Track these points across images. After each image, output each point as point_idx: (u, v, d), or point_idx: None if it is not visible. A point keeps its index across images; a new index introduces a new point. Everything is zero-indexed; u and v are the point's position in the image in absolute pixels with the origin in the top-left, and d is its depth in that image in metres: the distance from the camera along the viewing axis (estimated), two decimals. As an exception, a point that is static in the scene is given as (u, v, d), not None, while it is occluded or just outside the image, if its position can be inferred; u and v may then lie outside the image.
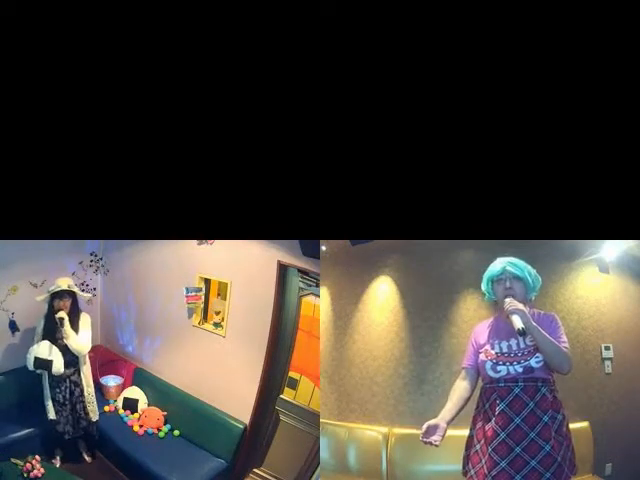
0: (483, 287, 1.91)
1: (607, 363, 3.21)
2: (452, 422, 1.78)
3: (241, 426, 3.03)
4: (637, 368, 3.19)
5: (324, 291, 3.65)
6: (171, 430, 3.29)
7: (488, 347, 1.81)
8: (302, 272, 2.87)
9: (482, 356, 1.81)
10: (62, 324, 2.94)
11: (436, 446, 1.71)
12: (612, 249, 3.20)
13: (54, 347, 2.93)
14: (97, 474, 3.06)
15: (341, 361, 3.66)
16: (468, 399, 1.84)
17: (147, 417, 3.32)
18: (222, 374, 3.19)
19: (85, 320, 3.09)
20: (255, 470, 3.08)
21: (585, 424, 3.07)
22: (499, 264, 1.85)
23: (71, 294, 3.03)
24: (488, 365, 1.77)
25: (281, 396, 3.04)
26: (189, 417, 3.26)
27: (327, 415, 3.44)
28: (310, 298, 2.94)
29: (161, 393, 3.47)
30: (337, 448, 3.35)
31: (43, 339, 2.94)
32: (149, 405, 3.46)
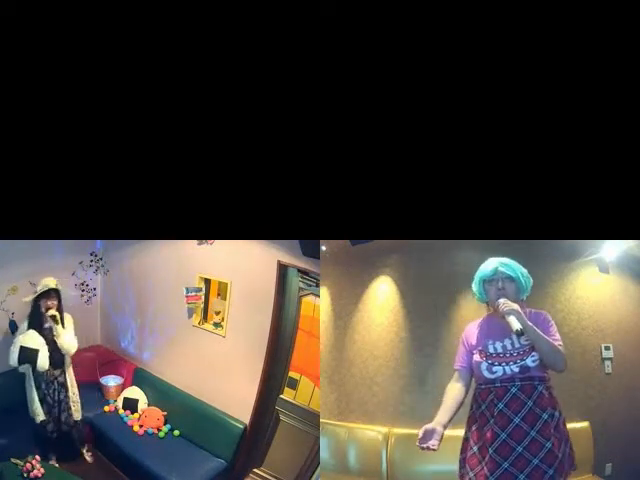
0: (474, 288, 1.89)
1: (607, 363, 3.21)
2: (449, 425, 1.75)
3: (241, 426, 3.03)
4: (637, 368, 3.19)
5: (324, 291, 3.65)
6: (171, 430, 3.29)
7: (482, 348, 1.80)
8: (302, 272, 2.87)
9: (477, 357, 1.79)
10: (56, 321, 2.92)
11: (434, 450, 1.68)
12: (612, 249, 3.19)
13: (41, 337, 2.90)
14: (97, 474, 3.06)
15: (341, 361, 3.66)
16: (462, 401, 1.82)
17: (147, 417, 3.32)
18: (222, 374, 3.19)
19: (69, 320, 3.07)
20: (255, 470, 3.08)
21: (585, 424, 3.07)
22: (491, 264, 1.83)
23: (57, 293, 3.01)
24: (483, 366, 1.76)
25: (281, 396, 3.04)
26: (189, 417, 3.26)
27: (327, 415, 3.44)
28: (310, 298, 2.94)
29: (161, 393, 3.47)
30: (337, 448, 3.35)
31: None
32: (149, 405, 3.46)
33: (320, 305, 2.99)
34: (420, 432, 1.70)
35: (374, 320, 3.62)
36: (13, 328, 3.25)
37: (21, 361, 2.86)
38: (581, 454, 2.97)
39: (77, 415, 3.08)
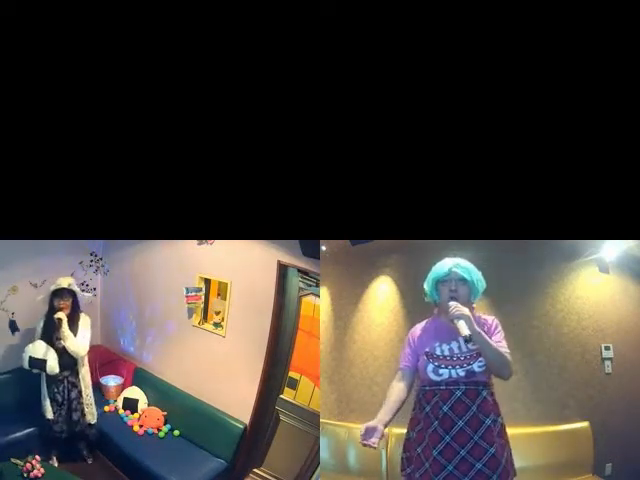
0: (426, 287, 1.86)
1: (607, 363, 3.20)
2: (389, 424, 1.75)
3: (241, 426, 3.03)
4: (637, 368, 3.19)
5: (324, 291, 3.65)
6: (171, 430, 3.29)
7: (429, 349, 1.78)
8: (302, 272, 2.87)
9: (423, 358, 1.78)
10: (60, 325, 2.94)
11: (374, 448, 1.69)
12: (612, 249, 3.19)
13: (49, 347, 2.93)
14: (97, 474, 3.06)
15: (341, 361, 3.66)
16: (404, 401, 1.81)
17: (147, 417, 3.33)
18: (222, 374, 3.19)
19: (85, 321, 3.09)
20: (255, 470, 3.08)
21: (585, 424, 3.07)
22: (446, 265, 1.81)
23: (72, 294, 3.03)
24: (430, 368, 1.74)
25: (281, 396, 3.04)
26: (189, 417, 3.26)
27: (327, 415, 3.44)
28: (310, 298, 2.94)
29: (161, 393, 3.47)
30: (337, 448, 3.35)
31: (41, 339, 2.95)
32: (149, 405, 3.46)
33: (320, 305, 2.99)
34: (362, 428, 1.70)
35: (374, 320, 3.62)
36: (13, 328, 3.25)
37: (31, 367, 2.93)
38: (581, 454, 3.02)
39: (90, 417, 3.10)
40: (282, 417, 3.04)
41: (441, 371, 1.73)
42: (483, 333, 1.70)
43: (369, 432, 1.69)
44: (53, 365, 2.92)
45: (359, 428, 1.70)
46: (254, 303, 3.02)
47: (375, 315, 3.62)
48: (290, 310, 2.98)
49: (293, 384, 3.01)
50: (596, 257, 3.24)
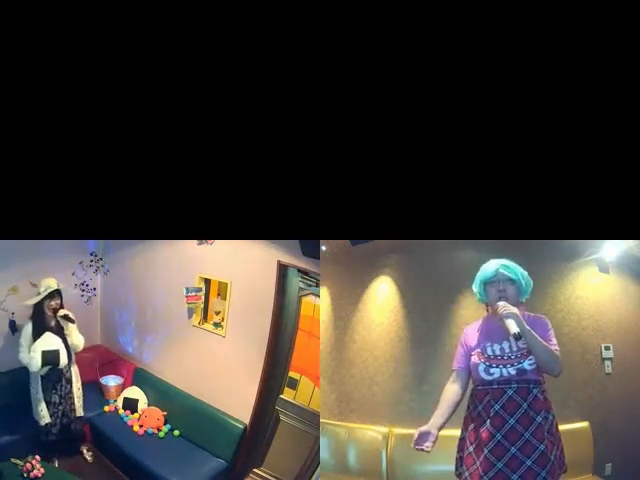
0: (475, 289, 1.90)
1: (607, 363, 3.21)
2: (444, 427, 1.78)
3: (241, 426, 3.03)
4: (637, 368, 3.19)
5: (324, 291, 3.65)
6: (171, 430, 3.29)
7: (480, 349, 1.81)
8: (302, 272, 2.87)
9: (474, 358, 1.81)
10: (70, 320, 2.99)
11: (428, 452, 1.73)
12: (612, 249, 3.20)
13: (57, 337, 2.95)
14: (97, 474, 3.06)
15: (341, 361, 3.66)
16: (459, 402, 1.84)
17: (147, 417, 3.33)
18: (222, 374, 3.20)
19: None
20: (255, 470, 3.08)
21: (585, 424, 3.07)
22: (492, 266, 1.84)
23: (59, 293, 3.05)
24: (481, 367, 1.77)
25: (281, 396, 3.04)
26: (189, 417, 3.26)
27: (327, 415, 3.44)
28: (310, 298, 2.94)
29: (161, 393, 3.47)
30: (337, 448, 3.35)
31: (34, 340, 2.93)
32: (149, 405, 3.46)
33: (320, 305, 2.99)
34: (415, 433, 1.74)
35: (374, 320, 3.62)
36: (13, 328, 3.25)
37: (44, 364, 2.89)
38: (581, 454, 3.02)
39: (80, 411, 3.10)
40: (282, 417, 3.04)
41: (492, 370, 1.76)
42: (532, 332, 1.71)
43: (422, 436, 1.74)
44: (64, 356, 2.93)
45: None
46: (254, 303, 3.02)
47: (375, 315, 3.62)
48: (290, 310, 2.98)
49: (293, 384, 3.01)
50: (596, 257, 3.24)
